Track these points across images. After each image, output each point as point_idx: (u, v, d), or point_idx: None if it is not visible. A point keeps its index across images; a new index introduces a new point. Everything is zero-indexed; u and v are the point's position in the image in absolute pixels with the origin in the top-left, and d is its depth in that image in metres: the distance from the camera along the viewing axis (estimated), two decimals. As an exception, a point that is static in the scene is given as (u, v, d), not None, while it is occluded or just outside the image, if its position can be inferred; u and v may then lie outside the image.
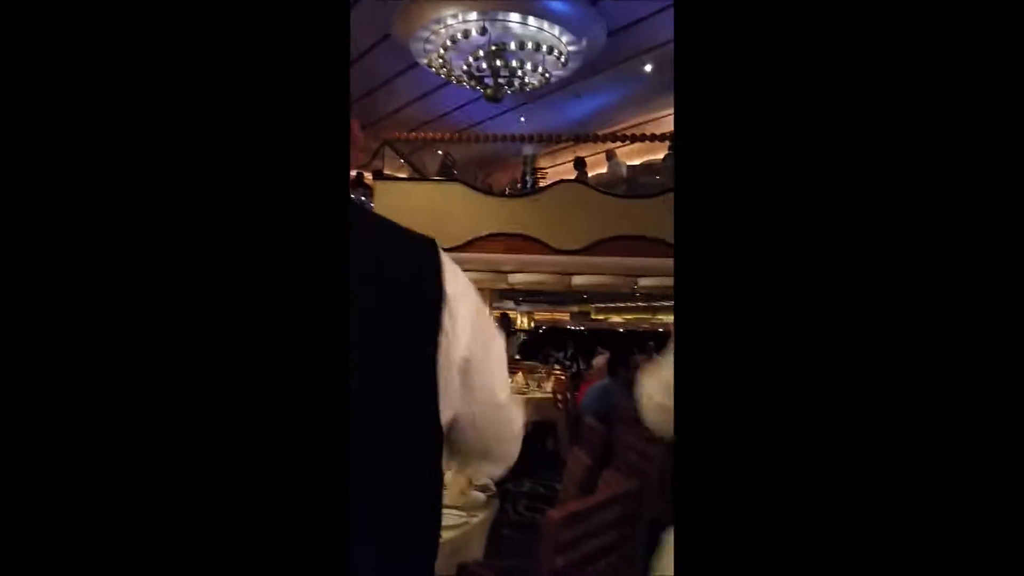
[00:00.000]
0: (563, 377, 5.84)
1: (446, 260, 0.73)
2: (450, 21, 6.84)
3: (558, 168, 9.24)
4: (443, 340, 0.69)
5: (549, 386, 5.42)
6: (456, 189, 6.49)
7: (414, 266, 0.70)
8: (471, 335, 0.72)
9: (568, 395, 4.48)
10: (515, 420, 0.81)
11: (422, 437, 0.69)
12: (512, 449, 0.83)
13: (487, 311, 0.78)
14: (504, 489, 2.54)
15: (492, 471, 0.85)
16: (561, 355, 8.12)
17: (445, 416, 0.71)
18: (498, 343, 0.78)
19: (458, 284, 0.72)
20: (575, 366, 7.57)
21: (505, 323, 8.23)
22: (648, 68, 7.95)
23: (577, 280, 6.38)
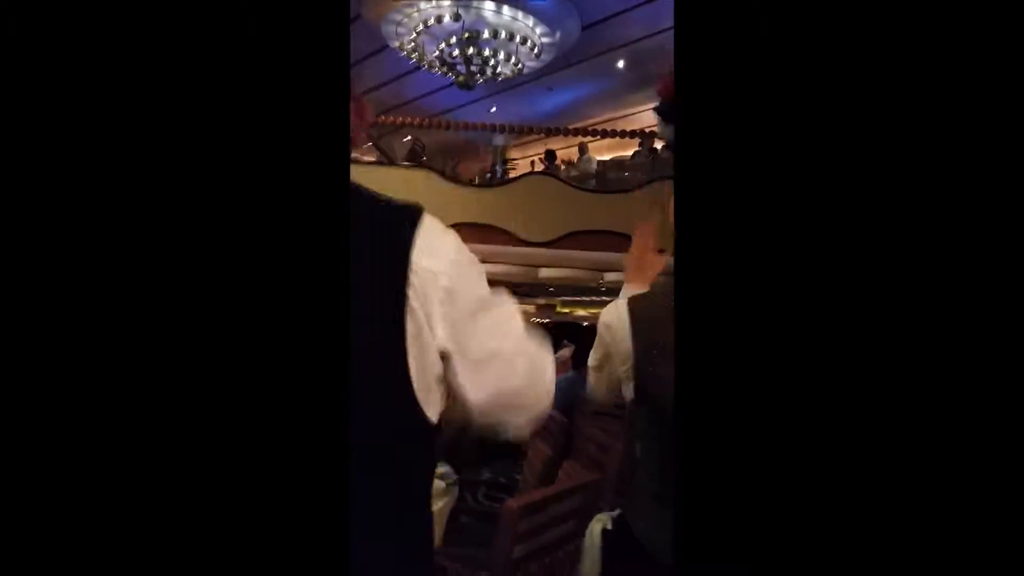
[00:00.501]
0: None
1: (427, 231, 0.63)
2: (423, 5, 6.74)
3: (528, 159, 9.25)
4: (410, 323, 0.60)
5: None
6: (424, 176, 6.42)
7: (380, 240, 0.61)
8: (451, 322, 0.62)
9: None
10: (524, 368, 0.68)
11: (395, 429, 0.62)
12: (531, 396, 0.69)
13: (485, 292, 0.67)
14: (463, 477, 2.55)
15: (519, 423, 0.70)
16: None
17: (432, 409, 0.63)
18: (500, 318, 0.66)
19: (437, 258, 0.62)
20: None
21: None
22: (621, 64, 7.99)
23: (544, 273, 6.41)
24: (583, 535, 1.72)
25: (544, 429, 2.91)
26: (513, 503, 1.32)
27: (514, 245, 6.17)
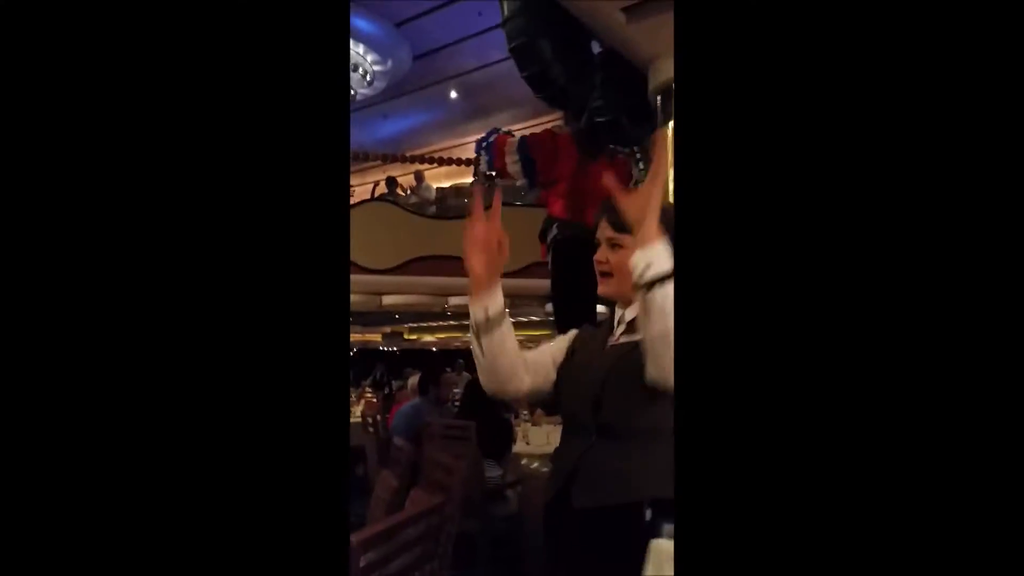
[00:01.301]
0: (374, 400, 5.70)
1: None
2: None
3: (367, 186, 9.10)
4: None
5: (359, 410, 5.25)
6: (253, 205, 6.04)
7: None
8: None
9: (378, 418, 4.39)
10: None
11: None
12: None
13: None
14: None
15: None
16: (367, 381, 7.91)
17: None
18: None
19: None
20: (387, 388, 7.43)
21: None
22: (454, 94, 8.22)
23: (388, 300, 6.30)
24: (432, 559, 1.71)
25: (392, 460, 2.85)
26: (354, 538, 1.28)
27: (355, 273, 6.01)
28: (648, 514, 0.92)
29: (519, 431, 3.65)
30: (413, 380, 5.39)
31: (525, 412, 4.49)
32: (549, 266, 2.94)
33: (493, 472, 3.09)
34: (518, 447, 3.44)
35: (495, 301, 1.03)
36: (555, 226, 2.87)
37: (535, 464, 3.06)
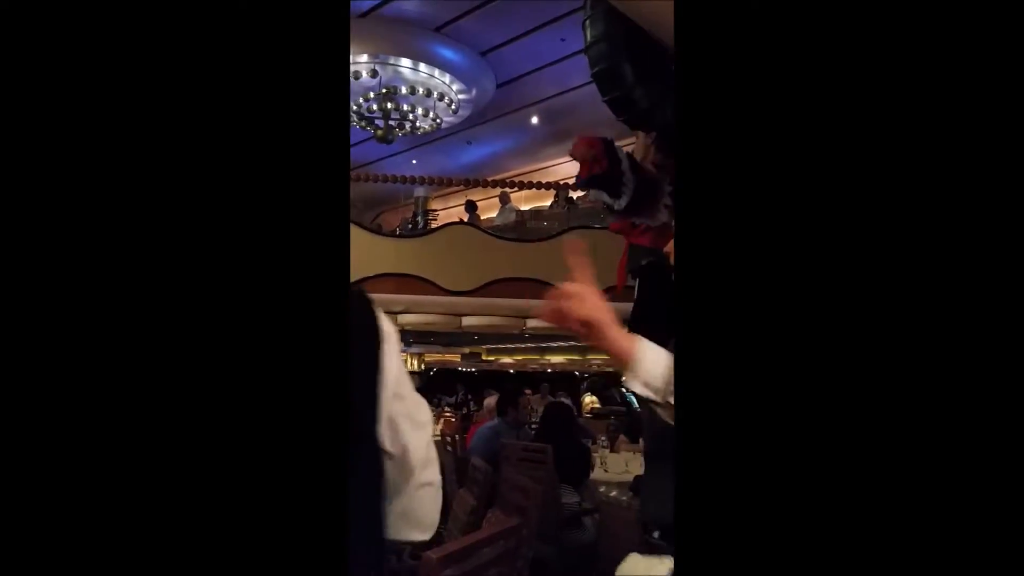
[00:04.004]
0: (453, 420, 5.79)
1: (375, 303, 0.78)
2: (341, 62, 6.82)
3: (450, 211, 9.38)
4: (381, 376, 0.73)
5: (439, 429, 5.35)
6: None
7: (356, 311, 0.74)
8: (398, 371, 0.76)
9: (457, 437, 4.46)
10: (435, 489, 0.79)
11: (373, 470, 0.72)
12: (434, 516, 0.79)
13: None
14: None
15: (410, 535, 0.78)
16: (453, 399, 8.03)
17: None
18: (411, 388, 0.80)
19: (388, 324, 0.78)
20: (466, 408, 7.53)
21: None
22: (535, 120, 8.35)
23: (467, 321, 6.42)
24: (507, 583, 1.70)
25: (469, 479, 2.88)
26: (432, 554, 1.30)
27: (436, 294, 6.17)
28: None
29: (596, 458, 3.58)
30: (491, 401, 5.44)
31: (603, 438, 4.41)
32: (636, 292, 2.89)
33: (570, 498, 3.05)
34: (596, 474, 3.38)
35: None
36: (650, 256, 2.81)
37: (613, 492, 2.99)
